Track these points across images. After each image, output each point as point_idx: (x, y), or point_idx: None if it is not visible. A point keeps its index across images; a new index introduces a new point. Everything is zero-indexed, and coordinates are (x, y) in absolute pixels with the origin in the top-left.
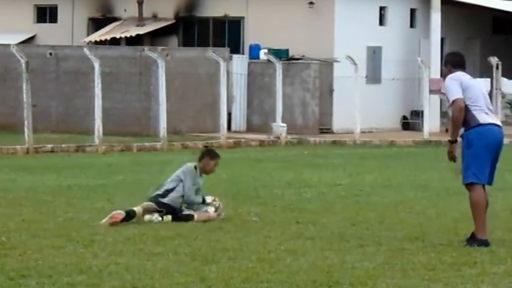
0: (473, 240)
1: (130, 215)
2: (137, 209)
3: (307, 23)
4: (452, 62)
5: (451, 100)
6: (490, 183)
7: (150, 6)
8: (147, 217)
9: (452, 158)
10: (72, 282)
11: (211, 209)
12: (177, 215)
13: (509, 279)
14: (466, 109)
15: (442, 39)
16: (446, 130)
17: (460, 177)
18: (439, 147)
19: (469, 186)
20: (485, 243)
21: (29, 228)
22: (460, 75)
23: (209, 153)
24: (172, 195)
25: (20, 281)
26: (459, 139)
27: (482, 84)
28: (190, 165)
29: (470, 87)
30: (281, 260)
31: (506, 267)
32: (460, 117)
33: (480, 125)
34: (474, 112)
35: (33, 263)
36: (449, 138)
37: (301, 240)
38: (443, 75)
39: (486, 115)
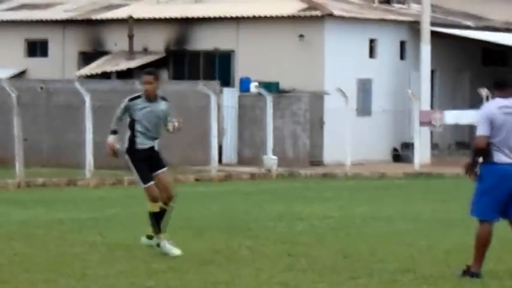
0: (467, 272)
1: None
2: None
3: (297, 55)
4: (496, 85)
5: (476, 134)
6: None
7: (141, 40)
8: None
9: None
10: None
11: None
12: None
13: None
14: (488, 144)
15: (432, 71)
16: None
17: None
18: (430, 179)
19: (478, 219)
20: (476, 276)
21: (21, 262)
22: (494, 111)
23: (144, 72)
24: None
25: None
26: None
27: None
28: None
29: (502, 126)
30: None
31: None
32: (479, 151)
33: (493, 163)
34: (493, 151)
35: None
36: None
37: (293, 272)
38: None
39: (503, 156)
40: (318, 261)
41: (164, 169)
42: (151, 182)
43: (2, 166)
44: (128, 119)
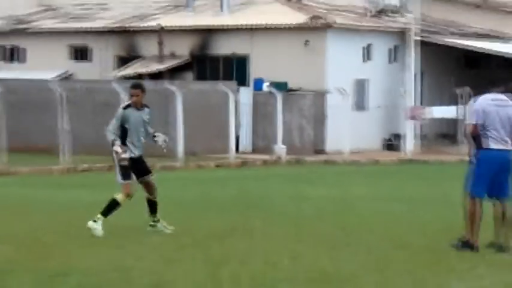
0: (463, 243)
1: None
2: None
3: (303, 59)
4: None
5: (466, 123)
6: (502, 195)
7: (169, 46)
8: None
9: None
10: (108, 279)
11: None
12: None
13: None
14: (479, 133)
15: (421, 73)
16: None
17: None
18: (416, 165)
19: (469, 196)
20: (472, 248)
21: (68, 232)
22: (483, 102)
23: (131, 86)
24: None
25: (60, 278)
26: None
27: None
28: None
29: (489, 115)
30: (283, 261)
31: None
32: (469, 138)
33: (483, 149)
34: (483, 138)
35: (73, 262)
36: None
37: (300, 244)
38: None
39: (492, 142)
40: (321, 236)
41: (151, 175)
42: (130, 180)
43: (52, 154)
44: (120, 128)
